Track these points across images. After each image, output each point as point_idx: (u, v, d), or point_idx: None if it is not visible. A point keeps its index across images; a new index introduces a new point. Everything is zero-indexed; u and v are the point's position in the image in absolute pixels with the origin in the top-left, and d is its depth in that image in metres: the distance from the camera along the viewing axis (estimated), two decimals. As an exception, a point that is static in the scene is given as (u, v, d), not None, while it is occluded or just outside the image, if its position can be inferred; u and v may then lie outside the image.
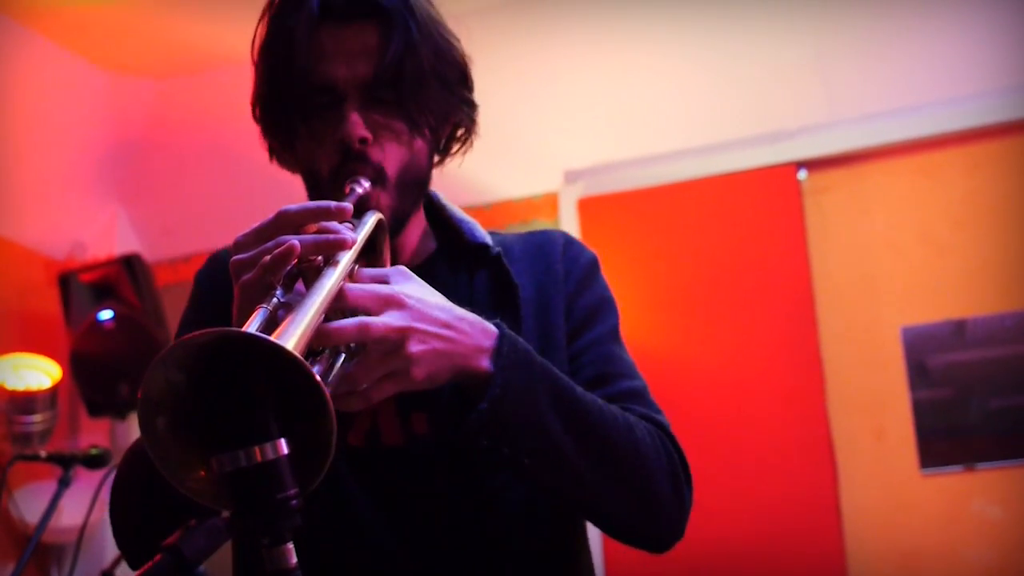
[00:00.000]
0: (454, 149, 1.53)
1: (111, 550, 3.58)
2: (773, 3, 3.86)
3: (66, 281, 4.16)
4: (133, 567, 1.39)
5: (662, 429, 1.41)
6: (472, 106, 1.50)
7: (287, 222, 1.16)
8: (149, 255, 4.24)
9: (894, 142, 3.78)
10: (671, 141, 3.97)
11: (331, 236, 1.15)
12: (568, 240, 1.58)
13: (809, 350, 3.69)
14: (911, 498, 3.62)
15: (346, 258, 1.15)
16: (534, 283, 1.50)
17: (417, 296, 1.20)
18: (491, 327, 1.26)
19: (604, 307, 1.54)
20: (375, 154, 1.37)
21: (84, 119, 4.37)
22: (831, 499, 3.59)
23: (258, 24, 1.44)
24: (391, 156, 1.39)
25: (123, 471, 1.39)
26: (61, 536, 3.81)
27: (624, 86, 4.02)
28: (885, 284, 3.77)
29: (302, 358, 0.88)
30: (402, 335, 1.14)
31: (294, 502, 0.86)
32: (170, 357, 0.87)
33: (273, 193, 4.29)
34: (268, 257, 1.09)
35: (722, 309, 3.80)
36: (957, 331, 3.68)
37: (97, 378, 4.03)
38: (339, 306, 1.11)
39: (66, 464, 2.67)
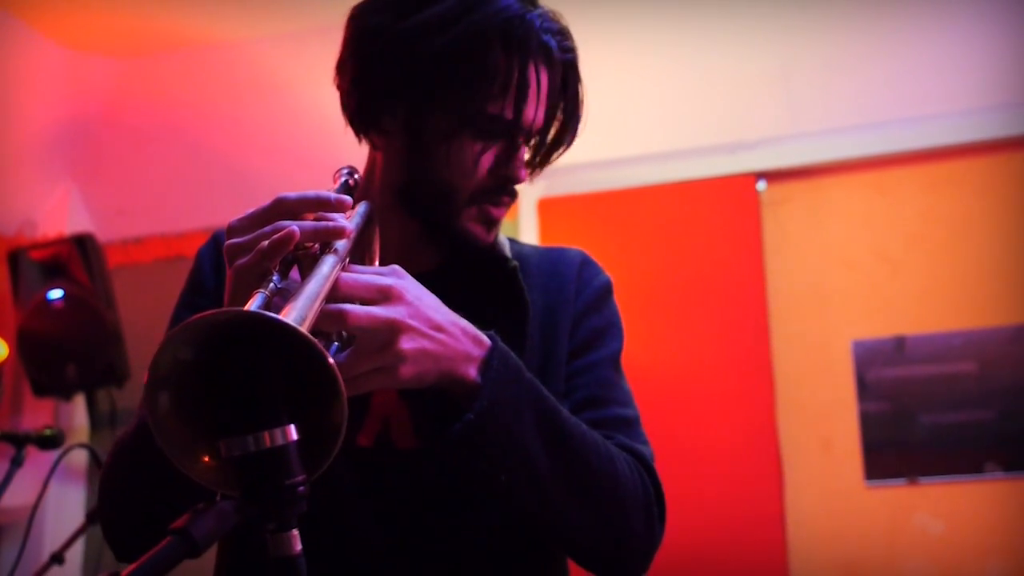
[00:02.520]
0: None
1: (62, 532, 3.54)
2: (741, 15, 3.89)
3: (15, 258, 4.09)
4: (123, 559, 1.36)
5: (642, 462, 1.40)
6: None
7: (285, 209, 1.14)
8: (101, 235, 4.18)
9: (852, 158, 3.83)
10: (633, 146, 3.99)
11: (330, 224, 1.13)
12: (585, 261, 1.58)
13: (761, 359, 3.73)
14: (855, 509, 3.66)
15: (343, 245, 1.14)
16: (545, 300, 1.50)
17: (416, 293, 1.18)
18: (484, 337, 1.25)
19: (609, 332, 1.53)
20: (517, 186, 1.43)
21: (40, 95, 4.30)
22: (776, 508, 3.62)
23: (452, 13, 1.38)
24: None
25: (117, 462, 1.35)
26: (9, 516, 3.76)
27: (587, 90, 4.03)
28: (838, 298, 3.81)
29: (317, 342, 0.87)
30: (393, 329, 1.13)
31: (301, 488, 0.86)
32: (181, 336, 0.86)
33: (228, 178, 4.30)
34: (266, 242, 1.08)
35: (676, 315, 3.83)
36: (898, 347, 3.73)
37: (44, 358, 3.97)
38: (334, 295, 1.10)
39: (19, 444, 2.63)
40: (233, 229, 1.15)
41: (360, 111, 1.44)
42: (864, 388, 3.74)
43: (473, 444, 1.22)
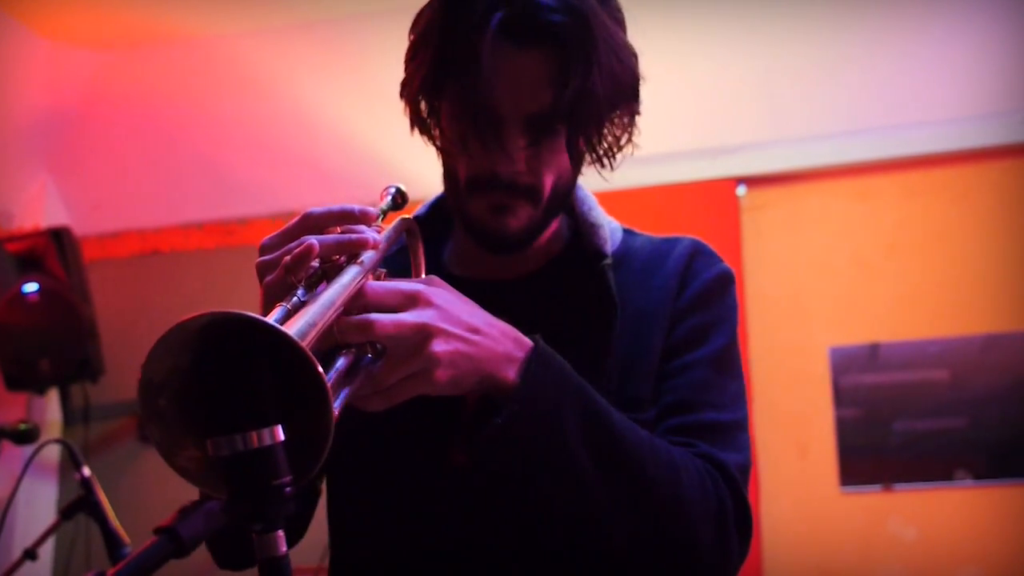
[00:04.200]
0: (614, 158, 1.41)
1: (34, 528, 3.51)
2: (724, 21, 3.91)
3: (-10, 250, 4.07)
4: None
5: (721, 470, 1.29)
6: (634, 117, 1.40)
7: (311, 224, 1.14)
8: (78, 229, 4.15)
9: (832, 164, 3.85)
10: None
11: (353, 236, 1.12)
12: (697, 251, 1.46)
13: (738, 364, 3.73)
14: (829, 515, 3.68)
15: (368, 257, 1.12)
16: (642, 299, 1.40)
17: (445, 297, 1.15)
18: (525, 339, 1.20)
19: (714, 328, 1.41)
20: (527, 180, 1.32)
21: (18, 86, 4.27)
22: (751, 512, 3.63)
23: (424, 10, 1.35)
24: (547, 178, 1.33)
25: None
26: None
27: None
28: (815, 304, 3.83)
29: (301, 343, 0.86)
30: (423, 333, 1.10)
31: (288, 489, 0.85)
32: (174, 336, 0.86)
33: (206, 174, 4.28)
34: (288, 257, 1.07)
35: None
36: (871, 354, 3.75)
37: (18, 351, 3.93)
38: (360, 304, 1.09)
39: (-8, 438, 2.61)
40: (263, 247, 1.15)
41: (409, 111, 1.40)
42: (839, 394, 3.75)
43: (509, 450, 1.18)
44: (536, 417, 1.17)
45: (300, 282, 1.06)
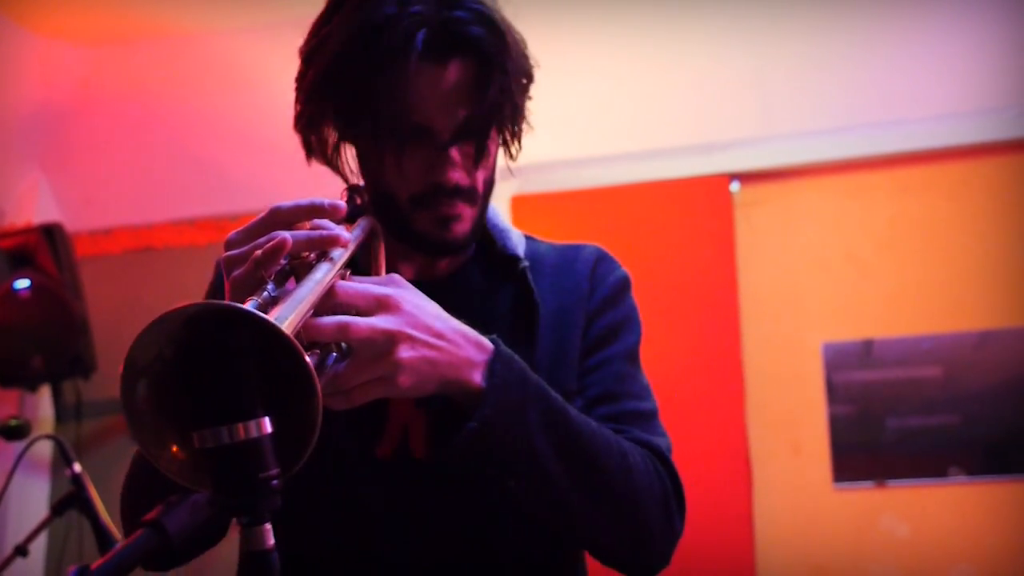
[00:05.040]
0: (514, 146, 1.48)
1: (25, 524, 3.50)
2: (717, 17, 3.90)
3: (-19, 246, 4.05)
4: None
5: (658, 455, 1.39)
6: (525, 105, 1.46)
7: (279, 219, 1.14)
8: (70, 225, 4.13)
9: (825, 161, 3.85)
10: (607, 145, 3.99)
11: (324, 232, 1.13)
12: (601, 257, 1.56)
13: (732, 361, 3.74)
14: (823, 512, 3.68)
15: (340, 255, 1.13)
16: (558, 299, 1.48)
17: (414, 302, 1.18)
18: (486, 342, 1.24)
19: (624, 327, 1.52)
20: (465, 182, 1.37)
21: (10, 82, 4.26)
22: (745, 509, 3.63)
23: (326, 26, 1.37)
24: (480, 178, 1.40)
25: (136, 470, 1.39)
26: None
27: (563, 88, 4.02)
28: (809, 300, 3.83)
29: (289, 334, 0.86)
30: (390, 339, 1.12)
31: (275, 482, 0.84)
32: (158, 327, 0.85)
33: (199, 170, 4.27)
34: (259, 252, 1.07)
35: (647, 315, 3.79)
36: (865, 350, 3.75)
37: (9, 347, 3.92)
38: (330, 304, 1.09)
39: (-17, 434, 2.61)
40: (230, 242, 1.15)
41: (304, 129, 1.45)
42: (833, 391, 3.75)
43: (480, 451, 1.21)
44: (503, 418, 1.21)
45: (270, 277, 1.06)
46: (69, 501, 2.60)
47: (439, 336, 1.18)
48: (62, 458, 2.68)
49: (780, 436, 3.76)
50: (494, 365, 1.22)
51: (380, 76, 1.30)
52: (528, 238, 1.58)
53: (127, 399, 0.86)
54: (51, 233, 3.98)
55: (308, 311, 1.01)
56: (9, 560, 2.72)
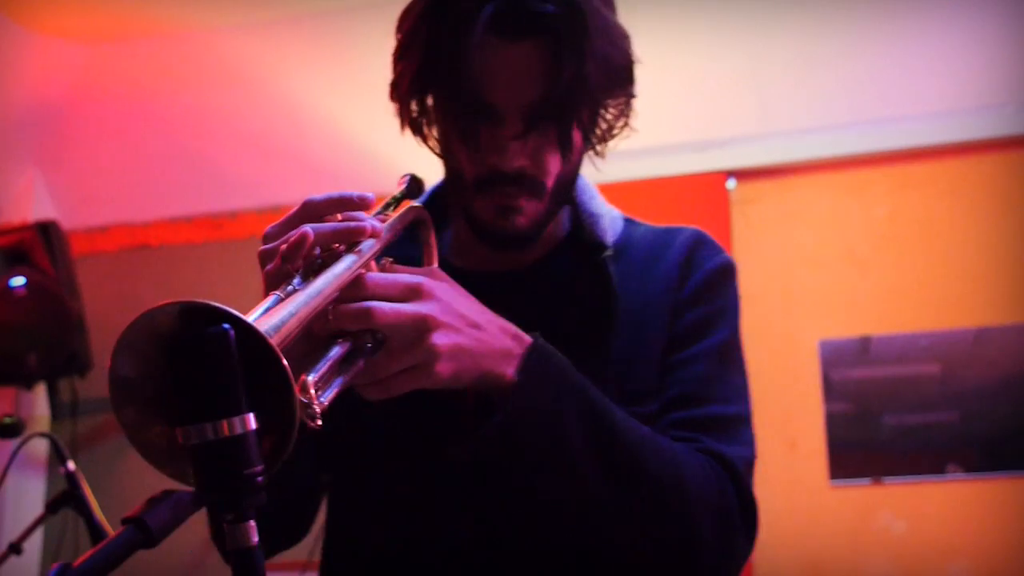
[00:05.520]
0: (611, 141, 1.42)
1: (20, 521, 3.50)
2: (713, 14, 3.90)
3: (-23, 244, 4.05)
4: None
5: (726, 465, 1.27)
6: (630, 101, 1.39)
7: (311, 211, 1.13)
8: (66, 223, 4.13)
9: (822, 158, 3.84)
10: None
11: (351, 224, 1.10)
12: (699, 241, 1.45)
13: (728, 358, 3.73)
14: (819, 509, 3.68)
15: (368, 245, 1.12)
16: (643, 291, 1.39)
17: (446, 291, 1.15)
18: (525, 336, 1.19)
19: (717, 321, 1.39)
20: (531, 171, 1.31)
21: (6, 79, 4.25)
22: (741, 506, 3.63)
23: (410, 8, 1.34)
24: (550, 170, 1.33)
25: None
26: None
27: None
28: (806, 297, 3.83)
29: (263, 332, 0.85)
30: (424, 325, 1.09)
31: (259, 479, 0.84)
32: (137, 329, 0.85)
33: (195, 168, 4.27)
34: (284, 245, 1.06)
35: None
36: (863, 348, 3.75)
37: (5, 345, 3.92)
38: (360, 294, 1.08)
39: (-23, 432, 2.60)
40: (266, 236, 1.14)
41: (396, 98, 1.39)
42: (830, 388, 3.75)
43: (507, 446, 1.17)
44: (535, 415, 1.17)
45: (297, 270, 1.05)
46: (63, 499, 2.60)
47: (474, 325, 1.15)
48: (57, 456, 2.68)
49: (777, 433, 3.75)
50: (529, 358, 1.18)
51: (446, 47, 1.27)
52: (628, 222, 1.51)
53: (116, 396, 0.86)
54: (47, 231, 3.98)
55: (320, 304, 1.00)
56: (3, 558, 2.72)
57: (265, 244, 1.13)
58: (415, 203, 1.33)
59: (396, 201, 1.32)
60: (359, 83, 3.99)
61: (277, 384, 0.85)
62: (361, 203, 1.14)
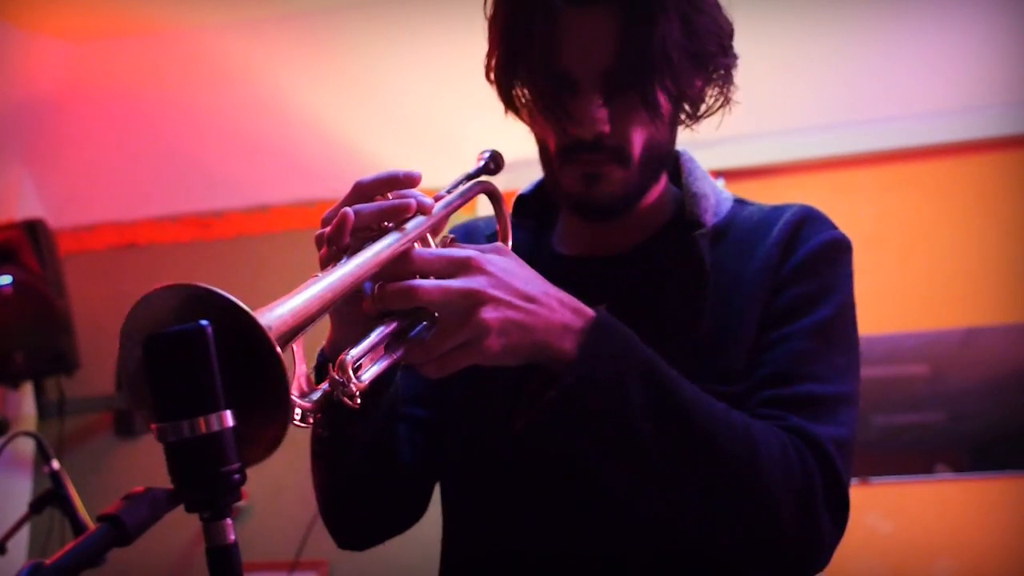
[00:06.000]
0: (708, 113, 1.42)
1: (5, 521, 3.49)
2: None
3: (-37, 243, 4.03)
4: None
5: (811, 443, 1.22)
6: (728, 70, 1.40)
7: (361, 192, 1.14)
8: (53, 221, 4.12)
9: (810, 158, 3.84)
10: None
11: (395, 201, 1.11)
12: (804, 218, 1.42)
13: (716, 358, 3.73)
14: (807, 508, 3.68)
15: (415, 223, 1.12)
16: (738, 271, 1.35)
17: (501, 265, 1.13)
18: (587, 309, 1.17)
19: (820, 298, 1.33)
20: (613, 140, 1.30)
21: (-8, 76, 4.24)
22: (728, 506, 3.64)
23: None
24: (635, 137, 1.31)
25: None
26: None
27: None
28: (793, 297, 3.83)
29: (254, 315, 0.84)
30: (472, 299, 1.08)
31: (236, 476, 0.84)
32: (134, 318, 0.85)
33: (183, 166, 4.26)
34: (328, 229, 1.08)
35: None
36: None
37: (-9, 344, 3.91)
38: (406, 270, 1.09)
39: (-38, 430, 2.60)
40: (323, 220, 1.14)
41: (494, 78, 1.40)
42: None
43: (567, 421, 1.15)
44: (595, 389, 1.14)
45: (344, 252, 1.06)
46: (47, 498, 2.59)
47: (528, 299, 1.12)
48: (43, 456, 2.67)
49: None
50: (590, 331, 1.15)
51: (523, 19, 1.29)
52: (738, 202, 1.48)
53: (122, 369, 0.87)
54: (34, 229, 3.96)
55: (345, 284, 1.00)
56: (-11, 557, 2.71)
57: (321, 228, 1.13)
58: (483, 179, 1.34)
59: (470, 178, 1.33)
60: (347, 82, 3.98)
61: (274, 374, 0.85)
62: (408, 180, 1.15)
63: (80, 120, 4.42)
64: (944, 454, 3.66)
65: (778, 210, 1.44)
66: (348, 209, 1.08)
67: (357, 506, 1.40)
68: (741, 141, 3.86)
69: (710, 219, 1.39)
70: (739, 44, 3.95)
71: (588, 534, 1.31)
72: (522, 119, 1.40)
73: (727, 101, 1.42)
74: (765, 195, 3.85)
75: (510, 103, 1.39)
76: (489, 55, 1.37)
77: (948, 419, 3.68)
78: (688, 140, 4.08)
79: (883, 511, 3.63)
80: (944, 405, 3.69)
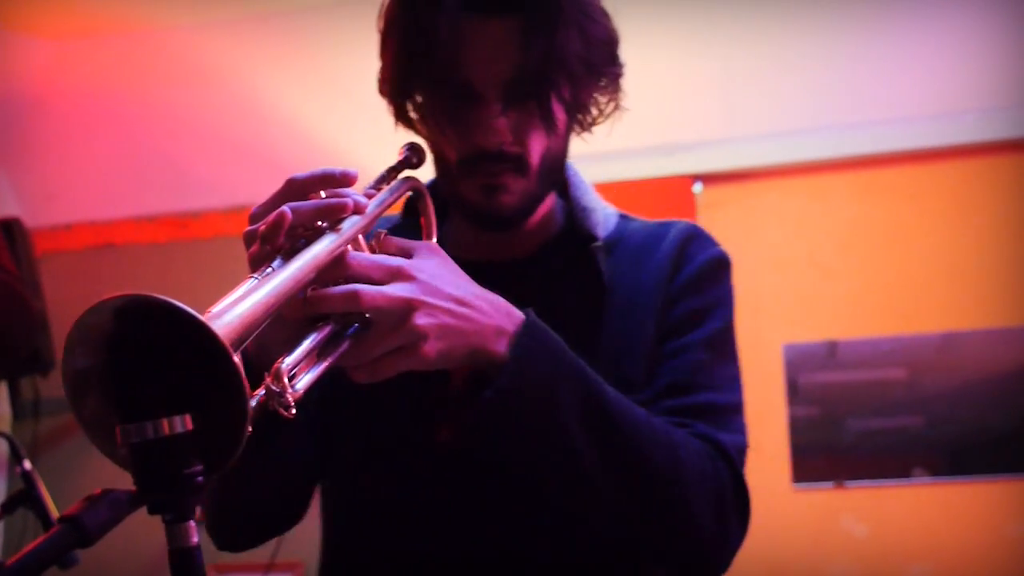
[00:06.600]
0: (598, 122, 1.43)
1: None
2: (682, 19, 3.90)
3: (-61, 241, 4.00)
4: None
5: (720, 450, 1.27)
6: (617, 79, 1.40)
7: (294, 190, 1.11)
8: (29, 220, 4.10)
9: (788, 163, 3.86)
10: (570, 145, 3.98)
11: (332, 200, 1.09)
12: (692, 235, 1.46)
13: (693, 361, 3.74)
14: (782, 512, 3.69)
15: (351, 223, 1.10)
16: (633, 283, 1.39)
17: (432, 271, 1.13)
18: (518, 312, 1.18)
19: (709, 312, 1.39)
20: (512, 149, 1.31)
21: (-31, 75, 4.22)
22: (705, 509, 3.64)
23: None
24: (534, 147, 1.33)
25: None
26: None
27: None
28: (770, 301, 3.84)
29: (207, 323, 0.83)
30: (405, 306, 1.08)
31: (199, 478, 0.83)
32: (87, 321, 0.84)
33: (161, 166, 4.24)
34: (262, 227, 1.05)
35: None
36: (829, 352, 3.77)
37: (-34, 344, 3.88)
38: (344, 274, 1.07)
39: (-67, 430, 2.57)
40: (251, 216, 1.12)
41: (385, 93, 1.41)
42: (795, 392, 3.76)
43: (499, 423, 1.16)
44: (528, 392, 1.16)
45: (278, 252, 1.04)
46: (19, 499, 2.57)
47: (461, 303, 1.13)
48: (14, 457, 2.65)
49: (741, 436, 3.77)
50: (522, 335, 1.16)
51: (423, 29, 1.28)
52: (622, 216, 1.51)
53: (74, 403, 0.85)
54: (10, 228, 3.93)
55: (287, 287, 0.98)
56: (-40, 558, 2.69)
57: (250, 225, 1.11)
58: (410, 175, 1.33)
59: (393, 171, 1.31)
60: (324, 82, 3.98)
61: (229, 380, 0.84)
62: (344, 179, 1.13)
63: (57, 119, 4.40)
64: (921, 458, 3.67)
65: (664, 226, 1.48)
66: (286, 207, 1.05)
67: (237, 507, 1.37)
68: (720, 145, 3.88)
69: (601, 232, 1.43)
70: (717, 49, 3.97)
71: (490, 542, 1.33)
72: (416, 132, 1.41)
73: (617, 109, 1.43)
74: (743, 199, 3.89)
75: (403, 116, 1.40)
76: (384, 67, 1.37)
77: (925, 423, 3.69)
78: (667, 145, 4.07)
79: (858, 515, 3.64)
80: (921, 409, 3.70)
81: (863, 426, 3.71)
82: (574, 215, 1.45)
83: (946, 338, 3.70)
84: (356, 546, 1.42)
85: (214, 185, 4.15)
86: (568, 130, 1.39)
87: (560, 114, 1.33)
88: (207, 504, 1.37)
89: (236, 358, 0.83)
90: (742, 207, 3.91)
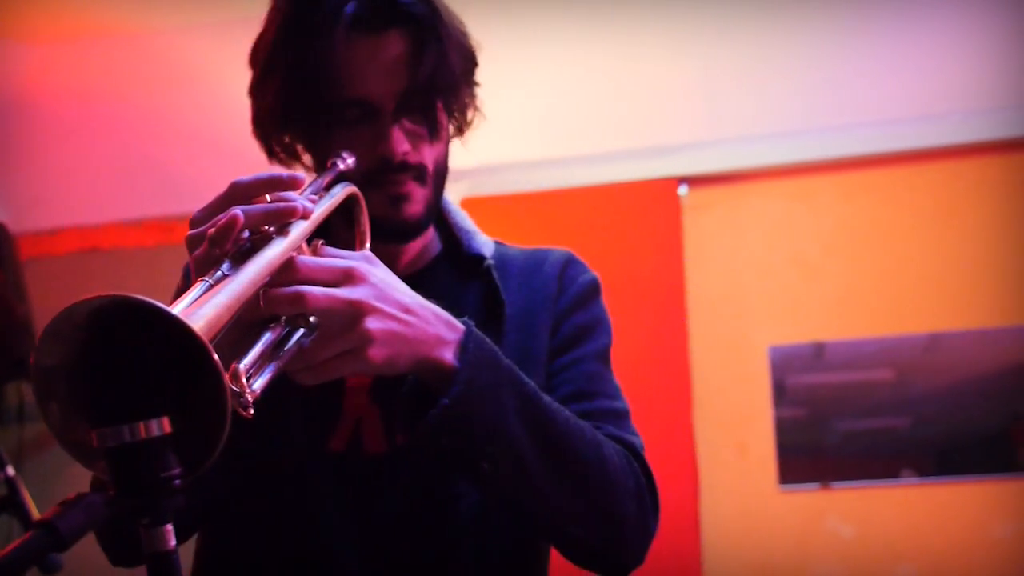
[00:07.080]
0: (466, 131, 1.50)
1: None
2: (666, 21, 3.91)
3: (-77, 247, 3.99)
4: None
5: (632, 451, 1.37)
6: (475, 89, 1.48)
7: (239, 193, 1.11)
8: (14, 226, 4.07)
9: (773, 165, 3.86)
10: (556, 147, 3.99)
11: (281, 205, 1.09)
12: (570, 260, 1.56)
13: (679, 364, 3.74)
14: (768, 513, 3.69)
15: (299, 228, 1.10)
16: (524, 300, 1.47)
17: (380, 276, 1.15)
18: (457, 323, 1.22)
19: (595, 328, 1.51)
20: (413, 158, 1.37)
21: (-48, 79, 4.21)
22: (691, 510, 3.64)
23: (267, 24, 1.41)
24: (428, 155, 1.39)
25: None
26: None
27: (511, 90, 4.02)
28: (756, 303, 3.84)
29: (195, 328, 0.83)
30: (356, 309, 1.10)
31: (177, 482, 0.83)
32: (63, 321, 0.83)
33: (147, 170, 4.23)
34: (212, 229, 1.03)
35: (597, 317, 3.82)
36: (816, 353, 3.77)
37: (-49, 349, 3.87)
38: (292, 278, 1.07)
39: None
40: (193, 220, 1.12)
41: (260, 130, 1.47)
42: (782, 393, 3.77)
43: (452, 430, 1.18)
44: (478, 398, 1.19)
45: (226, 255, 1.03)
46: (2, 505, 2.57)
47: (408, 311, 1.15)
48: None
49: (726, 438, 3.77)
50: (467, 344, 1.20)
51: (314, 49, 1.32)
52: (496, 243, 1.57)
53: (40, 398, 0.85)
54: (-6, 234, 3.93)
55: (247, 291, 0.98)
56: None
57: (192, 229, 1.10)
58: (349, 184, 1.34)
59: (327, 179, 1.32)
60: (312, 87, 3.97)
61: (207, 378, 0.83)
62: (291, 183, 1.13)
63: (42, 123, 4.38)
64: (908, 459, 3.67)
65: (541, 251, 1.58)
66: (238, 210, 1.04)
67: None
68: (705, 148, 3.88)
69: (487, 252, 1.51)
70: (702, 51, 3.98)
71: (384, 549, 1.35)
72: (298, 160, 1.45)
73: (477, 117, 1.50)
74: (729, 201, 3.89)
75: (285, 149, 1.45)
76: (264, 102, 1.41)
77: (912, 424, 3.69)
78: (652, 147, 4.07)
79: (845, 516, 3.65)
80: (908, 410, 3.70)
81: (849, 427, 3.72)
82: (457, 238, 1.52)
83: (933, 339, 3.71)
84: (238, 559, 1.42)
85: (201, 189, 4.09)
86: (450, 138, 1.46)
87: (445, 122, 1.41)
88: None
89: (215, 356, 0.83)
90: (728, 209, 3.91)
